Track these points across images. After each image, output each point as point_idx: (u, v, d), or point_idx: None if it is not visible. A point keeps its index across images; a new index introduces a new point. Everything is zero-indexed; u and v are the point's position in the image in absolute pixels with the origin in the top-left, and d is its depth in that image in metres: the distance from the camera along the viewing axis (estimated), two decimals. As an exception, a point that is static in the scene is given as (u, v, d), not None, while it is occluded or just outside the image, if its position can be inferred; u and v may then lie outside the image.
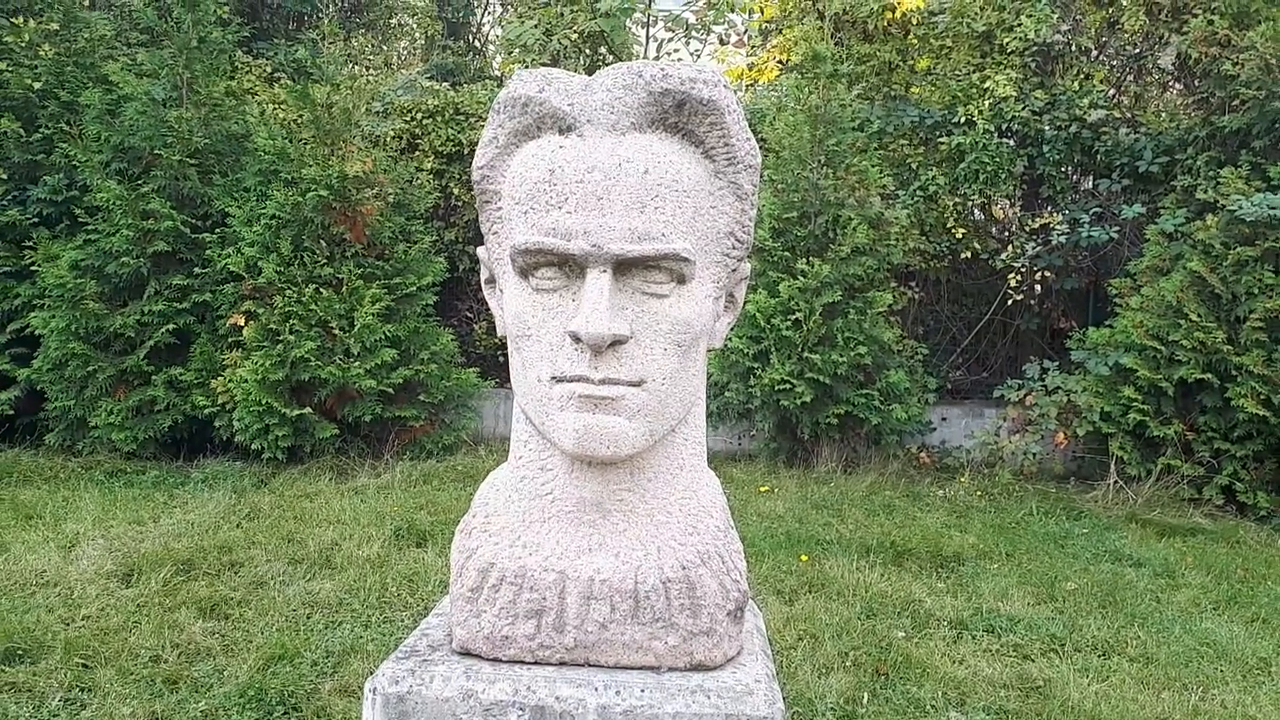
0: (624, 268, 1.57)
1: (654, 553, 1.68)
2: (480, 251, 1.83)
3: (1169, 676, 3.90)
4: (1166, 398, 6.76)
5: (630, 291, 1.59)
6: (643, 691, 1.58)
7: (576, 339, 1.55)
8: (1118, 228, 7.86)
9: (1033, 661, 4.03)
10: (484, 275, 1.86)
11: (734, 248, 1.73)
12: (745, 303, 1.91)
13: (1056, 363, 7.61)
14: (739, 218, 1.71)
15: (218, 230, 7.40)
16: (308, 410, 6.82)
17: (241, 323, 7.08)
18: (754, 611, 2.03)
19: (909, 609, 4.49)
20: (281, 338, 6.85)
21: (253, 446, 6.86)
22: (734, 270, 1.77)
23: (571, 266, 1.59)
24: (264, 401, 6.69)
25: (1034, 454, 7.25)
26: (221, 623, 4.22)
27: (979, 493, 6.76)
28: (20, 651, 3.75)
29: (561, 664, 1.65)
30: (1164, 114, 8.46)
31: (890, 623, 4.33)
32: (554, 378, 1.60)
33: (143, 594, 4.44)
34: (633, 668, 1.65)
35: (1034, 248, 8.04)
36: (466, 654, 1.68)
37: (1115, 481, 6.73)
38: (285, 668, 3.76)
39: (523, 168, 1.64)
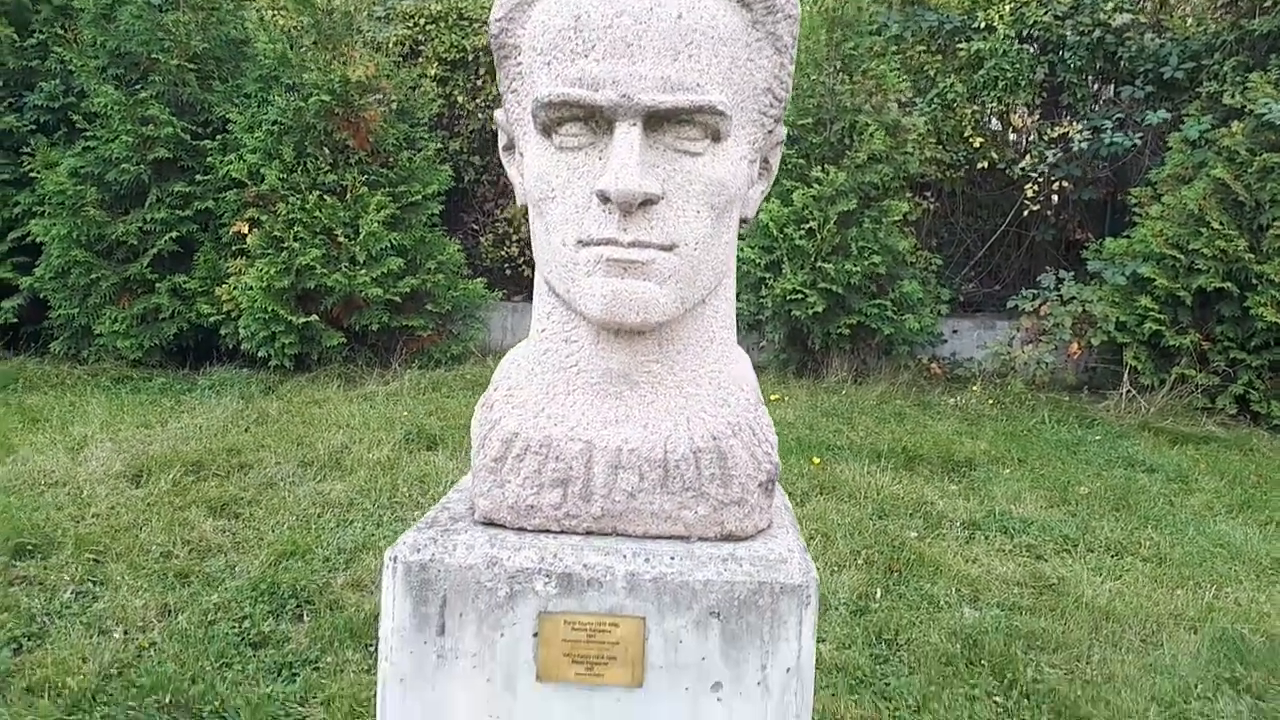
0: (655, 122, 1.47)
1: (683, 423, 1.61)
2: (498, 114, 1.72)
3: (1183, 575, 3.90)
4: (1184, 307, 6.68)
5: (661, 149, 1.49)
6: (672, 559, 1.53)
7: (605, 199, 1.45)
8: (1141, 134, 7.66)
9: (1046, 561, 4.03)
10: (502, 141, 1.76)
11: (771, 105, 1.63)
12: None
13: (1072, 273, 7.50)
14: (777, 72, 1.60)
15: (219, 137, 7.24)
16: (314, 318, 6.76)
17: (245, 230, 6.97)
18: (779, 490, 1.98)
19: (920, 510, 4.48)
20: (286, 245, 6.74)
21: (259, 354, 6.82)
22: (770, 132, 1.67)
23: (598, 121, 1.49)
24: (269, 309, 6.62)
25: (1047, 364, 7.19)
26: (232, 521, 4.22)
27: (991, 401, 6.72)
28: (31, 547, 3.76)
29: (588, 533, 1.61)
30: (1190, 18, 8.17)
31: (902, 523, 4.33)
32: (580, 241, 1.51)
33: (152, 494, 4.43)
34: (661, 537, 1.60)
35: (1054, 155, 7.85)
36: (490, 524, 1.63)
37: (1128, 391, 6.69)
38: (297, 563, 3.76)
39: (545, 15, 1.53)
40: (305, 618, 3.45)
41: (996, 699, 3.00)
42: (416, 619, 1.53)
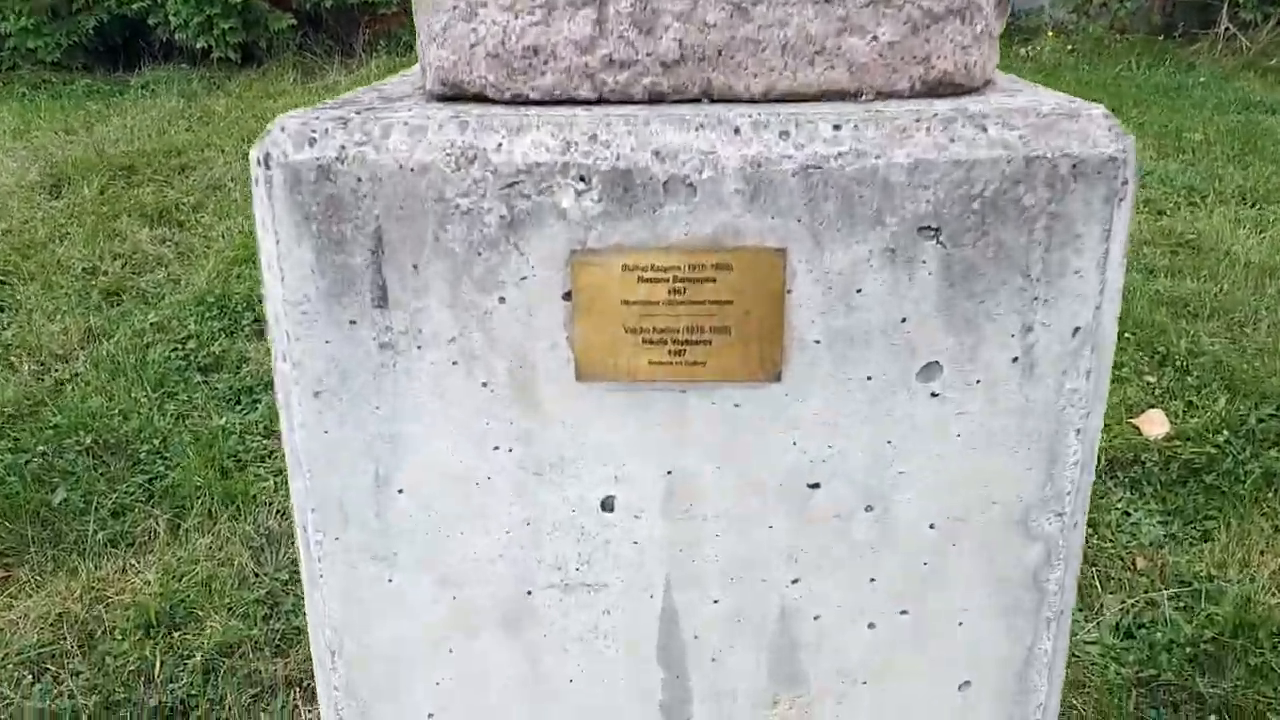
0: None
1: None
2: None
3: (1347, 223, 3.16)
4: (1302, -81, 5.50)
5: None
6: (837, 129, 0.74)
7: None
8: None
9: (1171, 216, 3.30)
10: None
11: None
12: None
13: (1161, -110, 6.21)
14: None
15: None
16: (254, -4, 5.64)
17: (155, -109, 5.69)
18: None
19: (1012, 169, 3.69)
20: (206, -97, 5.50)
21: (198, 46, 5.77)
22: None
23: None
24: (199, -13, 5.50)
25: (1129, 2, 6.08)
26: (173, 230, 3.48)
27: (1068, 49, 5.72)
28: (-81, 270, 3.03)
29: (654, 100, 0.81)
30: None
31: (992, 185, 3.54)
32: None
33: (75, 204, 3.65)
34: (804, 96, 0.81)
35: None
36: (457, 95, 0.84)
37: (1226, 29, 5.66)
38: (253, 271, 3.04)
39: None
40: (266, 333, 2.78)
41: (1149, 378, 2.35)
42: (328, 278, 0.77)
